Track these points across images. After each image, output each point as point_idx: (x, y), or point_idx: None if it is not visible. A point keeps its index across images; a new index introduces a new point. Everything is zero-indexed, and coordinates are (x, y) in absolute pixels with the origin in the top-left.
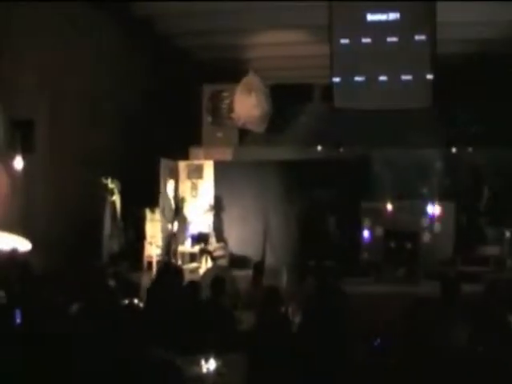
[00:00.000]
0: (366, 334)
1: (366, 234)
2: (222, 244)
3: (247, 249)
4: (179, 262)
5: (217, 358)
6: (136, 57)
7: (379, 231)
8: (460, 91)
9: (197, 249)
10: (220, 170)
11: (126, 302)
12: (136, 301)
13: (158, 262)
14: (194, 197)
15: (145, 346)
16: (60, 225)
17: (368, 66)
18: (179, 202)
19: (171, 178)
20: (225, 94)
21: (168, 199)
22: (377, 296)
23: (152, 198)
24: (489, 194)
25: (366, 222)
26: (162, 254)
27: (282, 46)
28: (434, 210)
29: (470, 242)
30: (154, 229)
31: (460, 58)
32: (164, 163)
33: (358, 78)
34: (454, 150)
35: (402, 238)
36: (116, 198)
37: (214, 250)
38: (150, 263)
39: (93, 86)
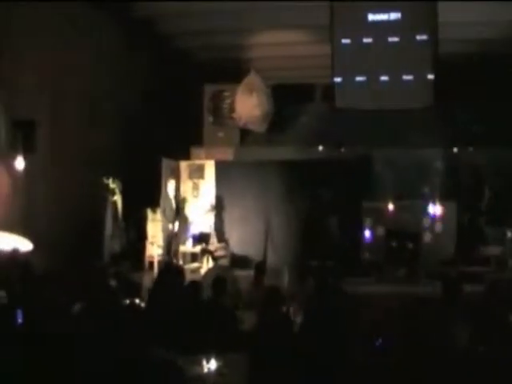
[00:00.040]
0: (368, 333)
1: (367, 233)
2: (223, 244)
3: (248, 249)
4: (180, 262)
5: (218, 357)
6: (137, 57)
7: (380, 231)
8: (461, 91)
9: (198, 249)
10: (221, 169)
11: (128, 301)
12: (137, 301)
13: (159, 262)
14: (196, 197)
15: (146, 346)
16: (61, 225)
17: (369, 65)
18: (180, 202)
19: (172, 177)
20: (226, 94)
21: (169, 199)
22: (378, 296)
23: (153, 198)
24: (490, 194)
25: (368, 221)
26: (163, 254)
27: (283, 45)
28: (435, 209)
29: (471, 241)
30: (156, 229)
31: (460, 57)
32: (165, 163)
33: (359, 78)
34: (455, 149)
35: (404, 237)
36: (117, 198)
37: (216, 250)
38: (151, 263)
39: (94, 86)
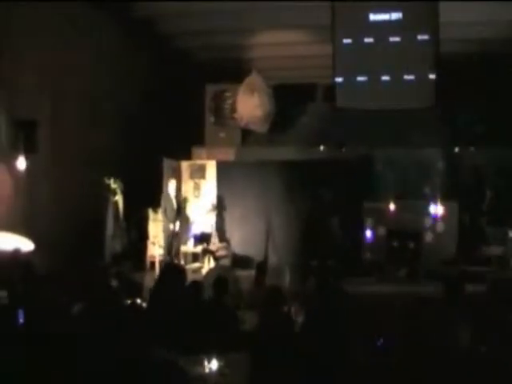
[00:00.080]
0: (369, 333)
1: (368, 233)
2: (224, 244)
3: (250, 249)
4: (182, 262)
5: (219, 357)
6: (137, 57)
7: (382, 231)
8: (461, 91)
9: (199, 249)
10: (223, 170)
11: (129, 302)
12: (139, 301)
13: (161, 262)
14: (197, 197)
15: (147, 346)
16: (63, 225)
17: (370, 65)
18: (181, 202)
19: (174, 177)
20: (227, 94)
21: (170, 199)
22: (379, 296)
23: (155, 198)
24: (491, 194)
25: (369, 221)
26: (164, 254)
27: (284, 46)
28: (436, 209)
29: (473, 241)
30: (157, 229)
31: (460, 57)
32: (167, 163)
33: (360, 78)
34: (456, 149)
35: (405, 237)
36: (119, 198)
37: (217, 250)
38: (152, 263)
39: (95, 87)
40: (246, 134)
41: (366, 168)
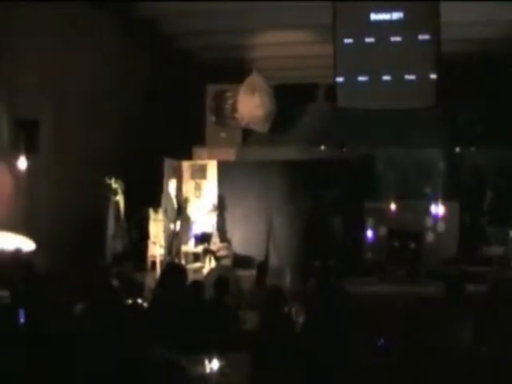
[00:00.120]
0: (370, 333)
1: (369, 233)
2: (225, 244)
3: (251, 249)
4: (183, 262)
5: (220, 357)
6: (138, 57)
7: (383, 231)
8: (461, 91)
9: (200, 249)
10: (223, 170)
11: (130, 301)
12: (140, 301)
13: (162, 262)
14: (198, 197)
15: (148, 346)
16: (64, 225)
17: (371, 65)
18: (182, 202)
19: (174, 177)
20: (228, 94)
21: (170, 199)
22: (380, 296)
23: (155, 198)
24: (492, 194)
25: (370, 221)
26: (165, 254)
27: (285, 45)
28: (437, 209)
29: (474, 241)
30: (158, 229)
31: (460, 57)
32: (168, 163)
33: (361, 78)
34: (457, 149)
35: (406, 237)
36: (120, 197)
37: (218, 250)
38: (153, 263)
39: (96, 87)
40: (247, 134)
41: (367, 168)
